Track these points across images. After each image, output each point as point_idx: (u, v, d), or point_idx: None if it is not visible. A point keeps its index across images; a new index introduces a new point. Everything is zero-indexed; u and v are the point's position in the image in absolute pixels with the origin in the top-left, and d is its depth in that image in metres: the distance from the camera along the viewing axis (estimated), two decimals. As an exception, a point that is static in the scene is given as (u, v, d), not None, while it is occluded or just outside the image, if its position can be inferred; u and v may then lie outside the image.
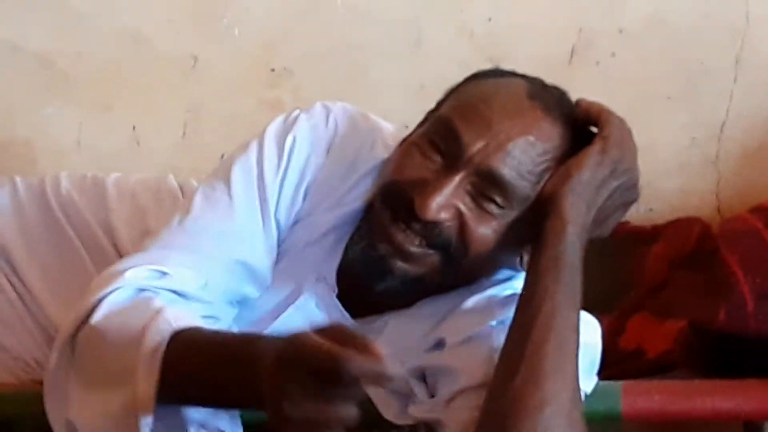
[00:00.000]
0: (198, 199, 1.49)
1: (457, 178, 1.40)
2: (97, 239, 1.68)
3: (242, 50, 2.28)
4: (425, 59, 2.30)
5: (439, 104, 1.51)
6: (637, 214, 2.24)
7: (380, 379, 1.09)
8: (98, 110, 2.28)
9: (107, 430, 1.29)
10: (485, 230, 1.42)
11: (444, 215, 1.41)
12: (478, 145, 1.41)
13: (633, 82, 2.29)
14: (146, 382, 1.26)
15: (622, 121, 1.45)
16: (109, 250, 1.66)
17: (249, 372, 1.18)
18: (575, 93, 1.51)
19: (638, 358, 1.90)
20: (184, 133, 2.28)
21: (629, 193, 1.46)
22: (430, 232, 1.41)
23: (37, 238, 1.70)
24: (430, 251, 1.43)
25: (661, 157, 2.29)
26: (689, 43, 2.30)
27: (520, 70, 1.54)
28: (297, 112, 1.54)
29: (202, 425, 1.34)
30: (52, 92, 2.28)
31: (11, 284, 1.68)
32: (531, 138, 1.42)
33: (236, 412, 1.38)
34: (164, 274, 1.39)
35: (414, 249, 1.42)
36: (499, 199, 1.41)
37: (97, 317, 1.35)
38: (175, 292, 1.40)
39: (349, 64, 2.29)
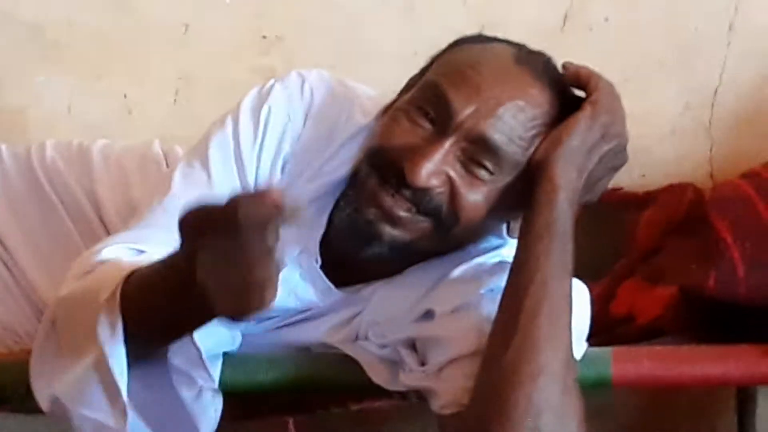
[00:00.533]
0: (177, 177, 1.48)
1: (447, 144, 1.40)
2: (83, 210, 1.67)
3: (234, 17, 2.27)
4: (418, 25, 2.29)
5: (424, 70, 1.50)
6: (630, 180, 2.24)
7: (275, 211, 1.04)
8: (89, 78, 2.27)
9: (87, 392, 1.28)
10: (476, 196, 1.41)
11: (434, 182, 1.40)
12: (468, 110, 1.40)
13: (626, 47, 2.28)
14: (110, 326, 1.24)
15: (610, 86, 1.44)
16: (94, 221, 1.66)
17: (173, 271, 1.16)
18: (568, 59, 1.49)
19: (629, 323, 1.90)
20: (175, 101, 2.28)
21: (618, 157, 1.46)
22: (420, 198, 1.41)
23: (23, 208, 1.69)
24: (421, 217, 1.42)
25: (654, 123, 2.29)
26: (682, 9, 2.29)
27: (513, 37, 1.53)
28: (272, 81, 1.53)
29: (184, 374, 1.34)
30: (43, 61, 2.27)
31: (-1, 257, 1.68)
32: (520, 103, 1.41)
33: (214, 366, 1.38)
34: (141, 252, 1.37)
35: (403, 214, 1.42)
36: (489, 165, 1.41)
37: (67, 288, 1.34)
38: None
39: (342, 30, 2.28)
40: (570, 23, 2.29)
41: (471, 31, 1.58)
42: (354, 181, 1.47)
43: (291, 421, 1.96)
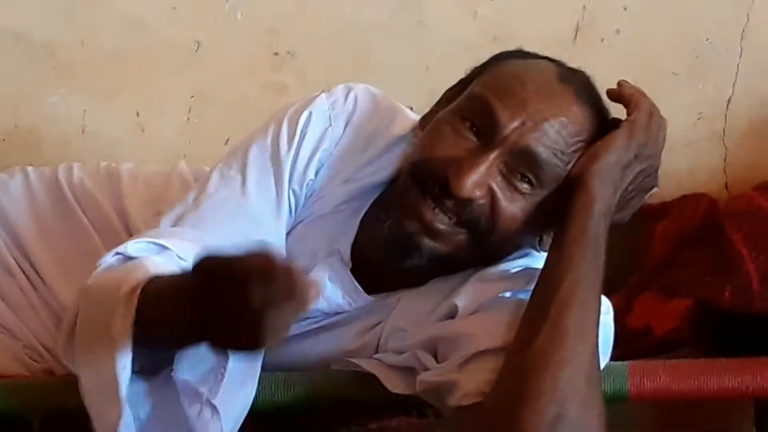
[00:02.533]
0: (214, 177, 1.51)
1: (492, 156, 1.42)
2: (111, 225, 1.70)
3: (245, 35, 2.28)
4: (429, 40, 2.29)
5: (464, 83, 1.52)
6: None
7: (291, 289, 1.07)
8: (102, 98, 2.28)
9: (96, 387, 1.29)
10: (514, 209, 1.44)
11: (478, 192, 1.42)
12: (514, 123, 1.43)
13: (638, 59, 2.28)
14: (122, 320, 1.25)
15: (652, 108, 1.48)
16: (123, 236, 1.66)
17: (182, 293, 1.17)
18: (581, 71, 1.51)
19: (646, 336, 1.90)
20: (188, 119, 2.28)
21: (650, 179, 1.50)
22: (462, 209, 1.43)
23: (49, 224, 1.72)
24: (459, 229, 1.44)
25: (667, 134, 2.27)
26: (694, 19, 2.29)
27: (525, 50, 1.55)
28: (320, 93, 1.56)
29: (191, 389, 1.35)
30: (56, 81, 2.28)
31: (23, 270, 1.69)
32: (564, 119, 1.44)
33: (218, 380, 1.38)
34: (164, 248, 1.38)
35: (442, 227, 1.44)
36: (531, 178, 1.44)
37: (93, 279, 1.35)
38: None
39: (353, 46, 2.29)
40: (582, 35, 2.29)
41: (482, 45, 1.60)
42: (393, 192, 1.50)
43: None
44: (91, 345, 1.30)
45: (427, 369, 1.47)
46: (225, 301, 1.07)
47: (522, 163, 1.43)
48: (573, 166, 1.44)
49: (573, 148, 1.45)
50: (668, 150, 2.25)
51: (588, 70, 1.52)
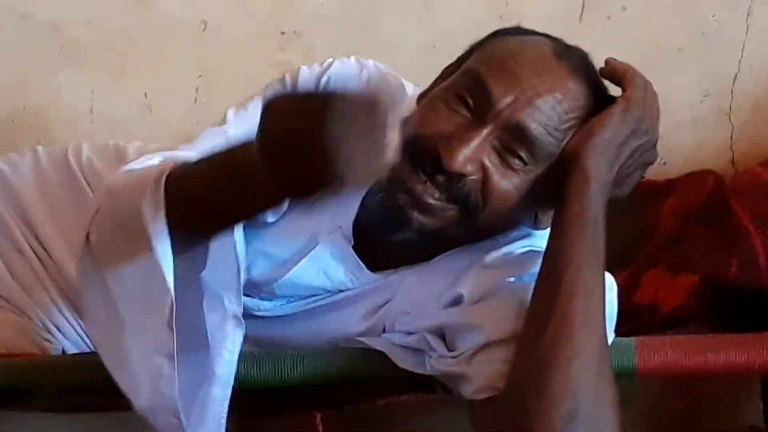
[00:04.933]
0: (230, 113, 1.54)
1: (484, 132, 1.41)
2: None
3: (252, 13, 2.28)
4: (436, 18, 2.29)
5: (461, 59, 1.51)
6: (650, 168, 2.23)
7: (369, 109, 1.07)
8: (109, 77, 2.29)
9: (137, 282, 1.30)
10: (507, 185, 1.43)
11: (470, 168, 1.41)
12: (507, 99, 1.42)
13: (644, 36, 2.28)
14: (153, 205, 1.26)
15: (646, 82, 1.46)
16: None
17: (246, 155, 1.15)
18: (587, 49, 1.51)
19: (653, 312, 1.90)
20: (195, 98, 2.29)
21: (648, 154, 1.48)
22: (453, 184, 1.42)
23: (59, 204, 1.72)
24: (449, 205, 1.43)
25: (673, 111, 2.28)
26: (700, -5, 2.29)
27: (531, 27, 1.54)
28: (330, 60, 1.56)
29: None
30: (63, 60, 2.28)
31: (33, 250, 1.69)
32: (558, 95, 1.43)
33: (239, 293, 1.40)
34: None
35: (433, 201, 1.43)
36: (524, 155, 1.42)
37: (105, 183, 1.36)
38: None
39: (359, 24, 2.29)
40: (588, 13, 2.29)
41: (489, 23, 1.59)
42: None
43: (318, 416, 1.97)
44: (123, 239, 1.30)
45: (438, 353, 1.46)
46: (300, 139, 1.06)
47: (514, 140, 1.42)
48: (568, 143, 1.43)
49: (567, 125, 1.43)
50: (675, 127, 2.28)
51: (594, 48, 1.51)
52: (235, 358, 1.40)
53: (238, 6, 2.28)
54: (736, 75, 2.29)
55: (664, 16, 2.29)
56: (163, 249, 1.28)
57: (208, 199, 1.27)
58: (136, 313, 1.32)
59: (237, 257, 1.38)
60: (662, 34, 2.29)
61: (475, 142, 1.41)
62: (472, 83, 1.44)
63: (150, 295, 1.30)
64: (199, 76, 2.29)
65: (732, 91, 2.30)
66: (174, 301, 1.29)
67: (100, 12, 2.27)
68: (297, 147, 1.08)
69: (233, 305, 1.40)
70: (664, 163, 2.26)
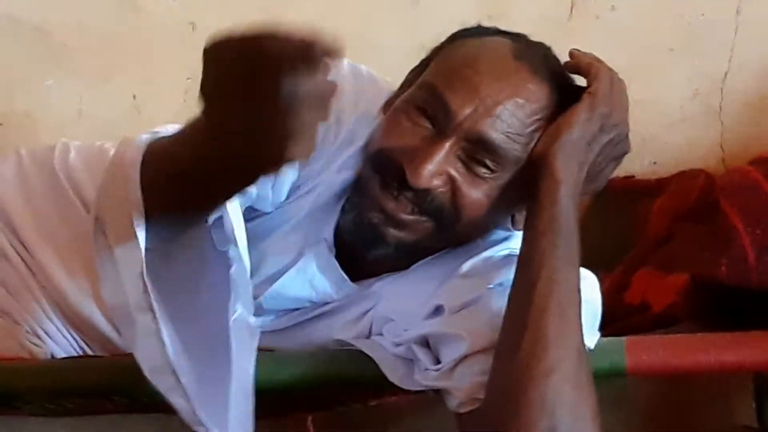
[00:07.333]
0: None
1: (447, 145, 1.40)
2: None
3: (240, 14, 2.27)
4: (424, 18, 2.29)
5: (423, 65, 1.50)
6: (641, 168, 2.24)
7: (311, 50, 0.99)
8: (98, 80, 2.29)
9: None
10: (477, 194, 1.42)
11: (436, 182, 1.41)
12: (467, 110, 1.40)
13: (634, 35, 2.28)
14: (132, 183, 1.22)
15: (611, 74, 1.44)
16: None
17: (198, 124, 1.10)
18: (576, 48, 1.49)
19: (643, 312, 1.90)
20: (185, 101, 2.28)
21: (620, 146, 1.45)
22: (422, 199, 1.41)
23: (43, 207, 1.70)
24: (423, 218, 1.43)
25: (663, 110, 2.29)
26: (689, -6, 2.29)
27: (519, 27, 1.53)
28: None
29: None
30: (52, 64, 2.28)
31: (18, 254, 1.68)
32: (519, 100, 1.41)
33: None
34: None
35: (406, 216, 1.42)
36: (490, 163, 1.41)
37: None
38: None
39: (348, 25, 2.28)
40: (577, 12, 2.29)
41: (477, 23, 1.58)
42: (357, 183, 1.48)
43: (309, 418, 1.97)
44: (116, 218, 1.25)
45: (423, 366, 1.45)
46: (237, 81, 1.01)
47: (479, 150, 1.40)
48: (536, 145, 1.41)
49: (532, 128, 1.42)
50: (665, 126, 2.28)
51: (583, 48, 1.49)
52: (253, 354, 1.36)
53: (226, 8, 2.27)
54: (725, 74, 2.30)
55: (654, 16, 2.29)
56: (138, 221, 1.22)
57: (177, 167, 1.19)
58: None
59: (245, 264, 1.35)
60: (651, 33, 2.29)
61: (438, 157, 1.40)
62: (431, 96, 1.42)
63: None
64: (188, 78, 2.28)
65: (722, 90, 2.30)
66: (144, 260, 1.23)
67: (88, 15, 2.27)
68: (234, 90, 1.02)
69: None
70: (654, 163, 2.26)
